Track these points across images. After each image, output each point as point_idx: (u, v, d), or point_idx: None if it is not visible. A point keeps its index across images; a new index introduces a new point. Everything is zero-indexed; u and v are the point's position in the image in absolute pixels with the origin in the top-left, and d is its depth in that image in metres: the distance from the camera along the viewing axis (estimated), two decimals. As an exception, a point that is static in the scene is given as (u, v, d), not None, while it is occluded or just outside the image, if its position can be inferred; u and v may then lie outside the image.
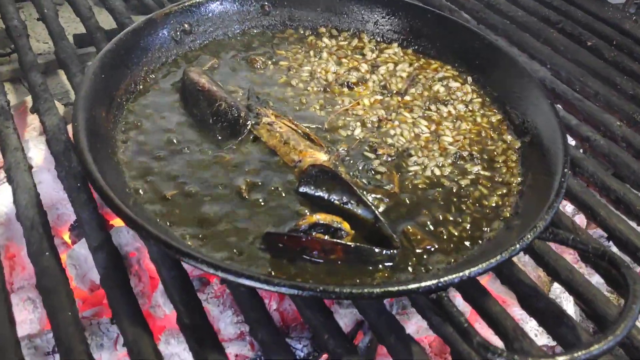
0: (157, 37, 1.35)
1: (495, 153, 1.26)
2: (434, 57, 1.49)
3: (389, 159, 1.21)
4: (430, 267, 1.01)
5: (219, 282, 1.18)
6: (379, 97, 1.36)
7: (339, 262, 1.00)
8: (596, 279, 1.24)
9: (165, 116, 1.24)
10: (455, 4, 1.85)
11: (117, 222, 1.23)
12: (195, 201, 1.07)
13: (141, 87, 1.29)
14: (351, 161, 1.19)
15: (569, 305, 1.32)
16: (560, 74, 1.60)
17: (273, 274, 0.96)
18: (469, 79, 1.43)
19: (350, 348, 0.96)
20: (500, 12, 1.84)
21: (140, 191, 1.07)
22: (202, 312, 0.98)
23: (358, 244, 1.00)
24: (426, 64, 1.47)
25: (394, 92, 1.38)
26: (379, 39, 1.52)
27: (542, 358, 0.85)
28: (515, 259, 1.08)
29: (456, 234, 1.08)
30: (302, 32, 1.52)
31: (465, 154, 1.24)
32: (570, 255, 1.44)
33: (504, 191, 1.17)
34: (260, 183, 1.12)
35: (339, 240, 1.00)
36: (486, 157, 1.25)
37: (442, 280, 0.89)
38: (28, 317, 1.19)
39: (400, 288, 0.88)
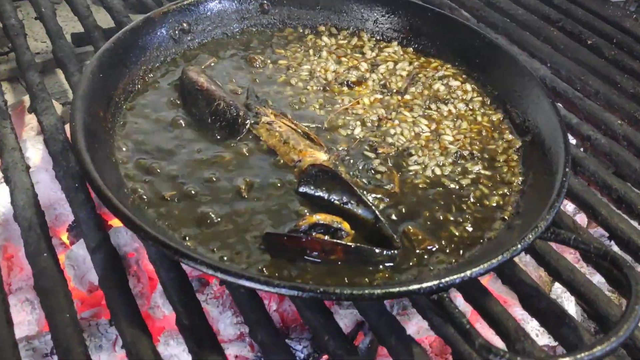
0: (155, 36, 1.34)
1: (496, 152, 1.25)
2: (434, 55, 1.48)
3: (389, 159, 1.20)
4: (431, 268, 1.00)
5: (219, 283, 1.18)
6: (378, 96, 1.36)
7: (339, 263, 0.99)
8: (597, 279, 1.23)
9: (164, 115, 1.23)
10: (455, 2, 1.85)
11: (116, 222, 1.22)
12: (194, 201, 1.07)
13: (139, 86, 1.28)
14: (351, 161, 1.18)
15: (570, 305, 1.32)
16: (560, 72, 1.59)
17: (273, 274, 0.95)
18: (469, 77, 1.42)
19: (351, 349, 0.95)
20: (501, 10, 1.83)
21: (139, 191, 1.07)
22: (201, 313, 0.98)
23: (358, 244, 0.99)
24: (426, 63, 1.46)
25: (394, 91, 1.37)
26: (378, 38, 1.52)
27: None
28: (516, 258, 1.07)
29: (457, 234, 1.07)
30: (301, 30, 1.52)
31: (465, 153, 1.24)
32: (571, 255, 1.43)
33: (505, 191, 1.17)
34: (259, 183, 1.11)
35: (339, 241, 0.99)
36: (487, 157, 1.24)
37: (443, 281, 0.88)
38: (26, 319, 1.19)
39: (402, 289, 0.87)
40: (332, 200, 1.08)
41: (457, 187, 1.17)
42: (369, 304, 1.00)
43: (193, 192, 1.08)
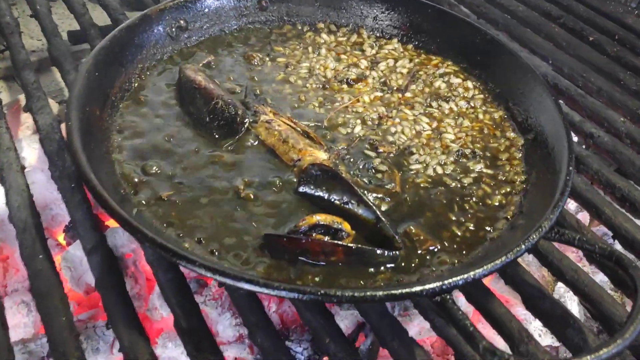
0: (152, 34, 1.32)
1: (498, 151, 1.23)
2: (434, 52, 1.46)
3: (390, 157, 1.18)
4: (434, 269, 0.99)
5: (217, 285, 1.16)
6: (379, 94, 1.34)
7: (340, 264, 0.97)
8: (600, 277, 1.22)
9: (161, 115, 1.21)
10: (455, -1, 1.83)
11: (113, 222, 1.20)
12: (192, 202, 1.05)
13: (136, 85, 1.27)
14: (351, 160, 1.16)
15: (573, 305, 1.30)
16: (562, 69, 1.58)
17: (272, 276, 0.94)
18: (471, 75, 1.40)
19: (352, 351, 0.94)
20: (501, 7, 1.82)
21: (135, 192, 1.05)
22: (199, 315, 0.96)
23: (359, 245, 0.98)
24: (427, 60, 1.45)
25: (395, 88, 1.36)
26: (378, 35, 1.50)
27: (549, 362, 0.83)
28: (519, 258, 1.05)
29: (459, 234, 1.06)
30: (300, 27, 1.50)
31: (467, 151, 1.22)
32: (573, 254, 1.42)
33: (508, 190, 1.15)
34: (258, 183, 1.09)
35: (339, 242, 0.97)
36: (489, 155, 1.22)
37: (446, 282, 0.87)
38: (22, 321, 1.17)
39: (404, 291, 0.85)
40: (333, 200, 1.06)
41: (459, 186, 1.15)
42: (370, 305, 0.98)
43: (191, 192, 1.06)
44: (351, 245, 0.97)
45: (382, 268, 0.98)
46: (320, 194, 1.07)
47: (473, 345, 0.83)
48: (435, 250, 1.02)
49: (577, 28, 1.73)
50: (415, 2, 1.49)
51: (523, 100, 1.30)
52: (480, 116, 1.31)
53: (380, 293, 0.85)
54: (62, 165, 1.17)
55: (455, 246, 1.03)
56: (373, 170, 1.15)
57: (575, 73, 1.56)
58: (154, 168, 1.10)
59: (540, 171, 1.16)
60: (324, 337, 0.95)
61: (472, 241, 1.05)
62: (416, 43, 1.48)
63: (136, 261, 1.22)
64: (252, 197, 1.07)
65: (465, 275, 0.88)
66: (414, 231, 1.04)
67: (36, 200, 1.16)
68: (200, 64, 1.34)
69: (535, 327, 1.25)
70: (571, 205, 1.48)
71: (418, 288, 0.86)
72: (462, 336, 0.86)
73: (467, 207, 1.11)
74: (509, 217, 1.09)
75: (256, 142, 1.18)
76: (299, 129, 1.20)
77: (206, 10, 1.42)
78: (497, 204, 1.12)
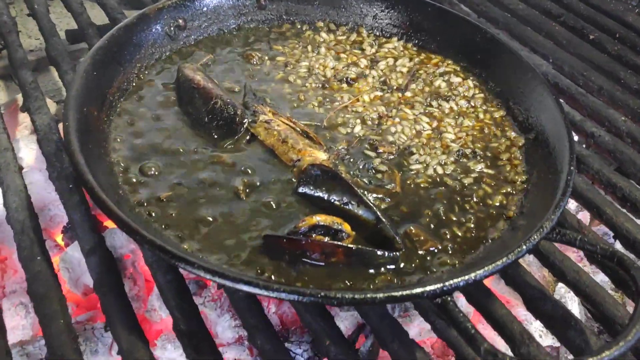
0: (150, 33, 1.31)
1: (499, 150, 1.22)
2: (434, 51, 1.45)
3: (390, 157, 1.18)
4: (434, 270, 0.98)
5: (216, 286, 1.15)
6: (379, 93, 1.33)
7: (340, 265, 0.96)
8: (600, 277, 1.22)
9: (159, 115, 1.20)
10: (455, -3, 1.82)
11: (111, 223, 1.19)
12: (191, 203, 1.04)
13: (134, 84, 1.26)
14: (351, 160, 1.16)
15: (574, 305, 1.29)
16: (563, 68, 1.57)
17: (272, 278, 0.93)
18: (471, 74, 1.39)
19: (352, 353, 0.93)
20: (501, 5, 1.81)
21: (134, 193, 1.04)
22: (199, 318, 0.95)
23: (359, 246, 0.97)
24: (427, 59, 1.44)
25: (394, 87, 1.35)
26: (378, 33, 1.49)
27: (551, 364, 0.82)
28: (520, 259, 1.05)
29: (460, 234, 1.05)
30: (299, 26, 1.49)
31: (468, 151, 1.21)
32: (574, 253, 1.41)
33: (509, 190, 1.14)
34: (257, 183, 1.09)
35: (339, 243, 0.97)
36: (489, 155, 1.22)
37: (447, 284, 0.86)
38: (20, 323, 1.16)
39: (405, 293, 0.85)
40: (332, 200, 1.06)
41: (460, 186, 1.14)
42: (370, 307, 0.98)
43: (190, 193, 1.06)
44: (351, 246, 0.97)
45: (382, 269, 0.97)
46: (320, 194, 1.06)
47: (474, 348, 0.82)
48: (436, 251, 1.01)
49: (578, 26, 1.72)
50: (415, 1, 1.48)
51: (524, 100, 1.29)
52: (481, 115, 1.30)
53: (381, 295, 0.84)
54: (60, 166, 1.16)
55: (455, 247, 1.03)
56: (373, 171, 1.14)
57: (576, 72, 1.55)
58: (153, 169, 1.09)
59: (541, 171, 1.15)
60: (324, 339, 0.94)
61: (473, 242, 1.04)
62: (416, 42, 1.47)
63: (135, 262, 1.21)
64: (251, 197, 1.06)
65: (466, 277, 0.88)
66: (414, 232, 1.03)
67: (34, 200, 1.16)
68: (199, 63, 1.33)
69: (536, 328, 1.25)
70: (571, 204, 1.47)
71: (419, 290, 0.85)
72: (463, 338, 0.85)
73: (468, 208, 1.10)
74: (509, 217, 1.09)
75: (255, 142, 1.17)
76: (298, 128, 1.20)
77: (205, 9, 1.41)
78: (497, 204, 1.12)
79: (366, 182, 1.12)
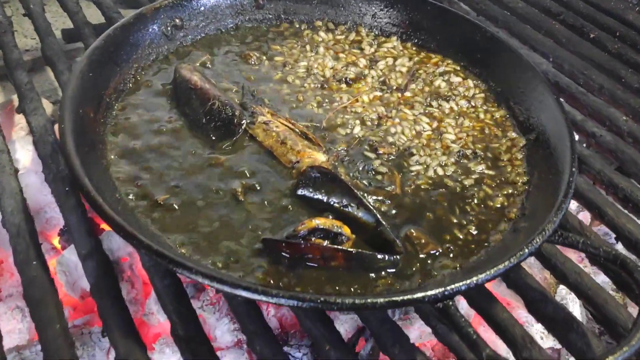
0: (147, 33, 1.30)
1: (500, 151, 1.21)
2: (434, 50, 1.44)
3: (390, 159, 1.16)
4: (435, 273, 0.97)
5: (215, 290, 1.14)
6: (378, 94, 1.32)
7: (340, 269, 0.95)
8: (602, 278, 1.21)
9: (156, 116, 1.19)
10: (454, -5, 1.81)
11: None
12: (189, 206, 1.03)
13: (131, 85, 1.24)
14: (351, 161, 1.14)
15: (575, 307, 1.28)
16: (563, 67, 1.56)
17: (271, 282, 0.92)
18: (471, 73, 1.38)
19: (352, 358, 0.92)
20: (500, 3, 1.79)
21: (131, 196, 1.03)
22: (197, 322, 0.94)
23: (359, 250, 0.96)
24: (426, 58, 1.42)
25: (394, 88, 1.34)
26: (377, 33, 1.47)
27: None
28: (521, 261, 1.04)
29: (461, 237, 1.04)
30: (297, 26, 1.47)
31: (468, 152, 1.20)
32: (574, 254, 1.40)
33: (510, 191, 1.13)
34: (256, 186, 1.07)
35: (339, 247, 0.96)
36: (490, 156, 1.20)
37: (448, 288, 0.85)
38: (16, 327, 1.15)
39: (405, 298, 0.84)
40: (332, 203, 1.05)
41: (460, 187, 1.13)
42: (370, 311, 0.97)
43: (187, 196, 1.04)
44: (351, 250, 0.96)
45: (382, 273, 0.96)
46: (320, 197, 1.05)
47: (476, 354, 0.81)
48: (437, 254, 1.00)
49: (578, 25, 1.71)
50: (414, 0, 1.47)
51: (524, 99, 1.28)
52: (481, 116, 1.29)
53: (381, 300, 0.83)
54: (56, 168, 1.15)
55: (457, 250, 1.02)
56: (373, 172, 1.13)
57: (576, 70, 1.54)
58: (150, 171, 1.08)
59: (542, 172, 1.14)
60: (324, 344, 0.93)
61: (474, 244, 1.03)
62: (415, 41, 1.46)
63: (132, 265, 1.20)
64: (249, 200, 1.05)
65: (468, 281, 0.87)
66: (415, 234, 1.02)
67: (30, 203, 1.14)
68: (196, 64, 1.32)
69: (537, 330, 1.23)
70: (572, 204, 1.46)
71: (420, 295, 0.84)
72: (464, 344, 0.84)
73: (469, 210, 1.09)
74: (511, 219, 1.08)
75: (254, 144, 1.15)
76: (297, 129, 1.18)
77: (202, 8, 1.40)
78: (499, 205, 1.11)
79: (366, 183, 1.10)
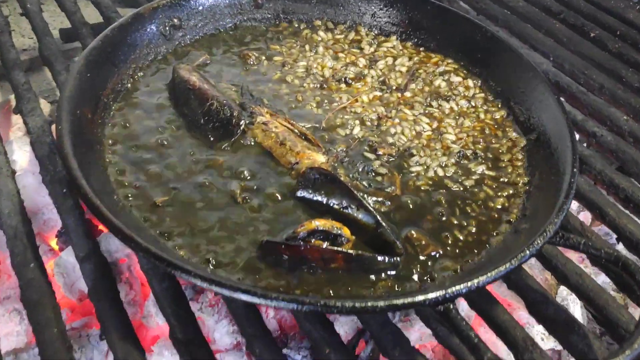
0: (145, 33, 1.29)
1: (500, 151, 1.21)
2: (434, 50, 1.43)
3: (390, 160, 1.16)
4: (436, 275, 0.96)
5: (214, 292, 1.13)
6: (378, 94, 1.31)
7: (340, 271, 0.95)
8: (602, 279, 1.20)
9: (155, 117, 1.18)
10: (454, -6, 1.80)
11: (106, 227, 1.17)
12: (187, 208, 1.02)
13: (129, 85, 1.23)
14: (350, 162, 1.14)
15: (576, 308, 1.28)
16: (563, 66, 1.55)
17: (270, 285, 0.91)
18: (471, 73, 1.37)
19: (353, 361, 0.92)
20: (500, 2, 1.78)
21: (129, 198, 1.02)
22: (195, 325, 0.94)
23: (360, 252, 0.95)
24: (426, 58, 1.42)
25: (394, 87, 1.33)
26: (376, 32, 1.47)
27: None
28: (522, 263, 1.03)
29: (462, 238, 1.03)
30: (296, 25, 1.46)
31: (469, 152, 1.19)
32: (575, 254, 1.40)
33: (510, 192, 1.12)
34: (255, 187, 1.07)
35: (339, 249, 0.95)
36: (491, 156, 1.20)
37: (449, 291, 0.84)
38: (14, 329, 1.14)
39: (406, 301, 0.83)
40: (332, 204, 1.04)
41: (461, 188, 1.12)
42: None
43: (186, 197, 1.04)
44: (351, 252, 0.95)
45: (383, 275, 0.95)
46: (319, 198, 1.04)
47: (477, 357, 0.80)
48: (437, 255, 1.00)
49: (578, 24, 1.70)
50: (414, -1, 1.46)
51: (525, 99, 1.27)
52: (482, 116, 1.28)
53: (382, 303, 0.82)
54: (53, 170, 1.14)
55: (457, 251, 1.01)
56: (373, 173, 1.12)
57: (577, 70, 1.53)
58: (148, 172, 1.07)
59: (543, 172, 1.14)
60: (324, 347, 0.92)
61: (475, 246, 1.02)
62: (415, 40, 1.45)
63: (131, 266, 1.19)
64: (248, 202, 1.04)
65: (469, 284, 0.86)
66: (415, 236, 1.01)
67: (28, 204, 1.13)
68: (195, 64, 1.31)
69: (538, 331, 1.23)
70: (573, 204, 1.45)
71: (420, 298, 0.84)
72: (465, 347, 0.83)
73: (469, 211, 1.08)
74: (512, 220, 1.07)
75: (253, 145, 1.15)
76: (296, 130, 1.18)
77: (200, 8, 1.39)
78: (499, 206, 1.10)
79: (366, 185, 1.10)
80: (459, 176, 1.15)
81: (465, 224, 1.06)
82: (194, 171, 1.08)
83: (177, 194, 1.04)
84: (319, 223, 0.98)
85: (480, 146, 1.21)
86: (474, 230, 1.05)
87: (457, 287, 0.85)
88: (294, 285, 0.92)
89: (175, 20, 1.35)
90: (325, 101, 1.27)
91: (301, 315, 0.96)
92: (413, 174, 1.14)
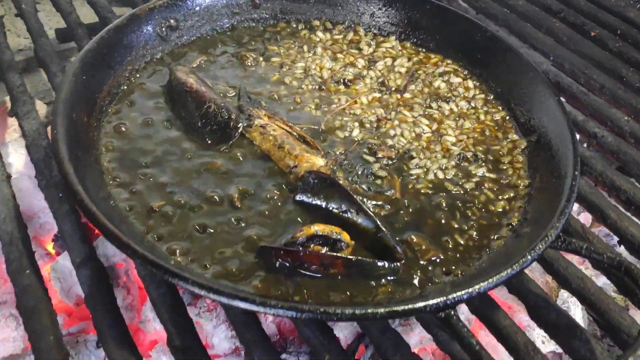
0: (141, 34, 1.27)
1: (501, 153, 1.19)
2: (433, 50, 1.42)
3: (390, 162, 1.14)
4: (437, 280, 0.95)
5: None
6: (377, 95, 1.29)
7: (340, 277, 0.93)
8: (603, 280, 1.19)
9: (151, 119, 1.17)
10: (453, -7, 1.78)
11: (103, 231, 1.16)
12: (185, 212, 1.01)
13: (125, 88, 1.22)
14: (350, 165, 1.12)
15: (577, 310, 1.27)
16: (564, 66, 1.54)
17: (269, 291, 0.90)
18: (471, 74, 1.36)
19: (353, 367, 0.91)
20: (500, 1, 1.77)
21: (126, 203, 1.01)
22: (193, 332, 0.93)
23: (359, 257, 0.94)
24: (426, 58, 1.40)
25: (393, 89, 1.31)
26: (375, 32, 1.45)
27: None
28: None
29: (462, 242, 1.02)
30: (294, 25, 1.45)
31: (469, 154, 1.18)
32: (576, 256, 1.39)
33: (511, 195, 1.11)
34: (253, 191, 1.05)
35: (339, 254, 0.94)
36: (491, 158, 1.18)
37: (450, 297, 0.84)
38: (11, 335, 1.13)
39: (407, 307, 0.82)
40: (331, 208, 1.03)
41: (461, 191, 1.11)
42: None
43: (183, 202, 1.02)
44: (351, 257, 0.94)
45: (383, 280, 0.94)
46: (318, 202, 1.03)
47: (479, 364, 0.80)
48: (438, 260, 0.99)
49: (578, 23, 1.69)
50: (413, -2, 1.45)
51: (526, 100, 1.26)
52: (482, 117, 1.27)
53: (382, 310, 0.81)
54: (49, 174, 1.13)
55: (458, 256, 1.00)
56: (372, 176, 1.11)
57: (577, 69, 1.52)
58: (145, 177, 1.06)
59: (544, 175, 1.13)
60: (322, 352, 0.92)
61: (476, 250, 1.01)
62: (414, 40, 1.44)
63: (128, 271, 1.18)
64: (246, 206, 1.03)
65: (470, 290, 0.85)
66: (415, 241, 1.00)
67: (24, 208, 1.12)
68: (192, 65, 1.30)
69: (539, 334, 1.22)
70: (573, 206, 1.44)
71: (421, 304, 0.83)
72: (467, 354, 0.82)
73: (470, 214, 1.07)
74: (513, 224, 1.06)
75: (251, 148, 1.13)
76: (294, 133, 1.16)
77: (197, 8, 1.37)
78: (500, 210, 1.09)
79: (365, 188, 1.09)
80: (459, 179, 1.14)
81: (466, 227, 1.05)
82: (192, 175, 1.07)
83: (174, 198, 1.03)
84: (318, 228, 0.97)
85: (480, 148, 1.20)
86: (474, 234, 1.04)
87: (458, 294, 0.84)
88: (293, 291, 0.91)
89: (172, 21, 1.33)
90: (324, 103, 1.26)
91: (300, 321, 0.95)
92: (413, 177, 1.12)
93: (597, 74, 1.51)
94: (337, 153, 1.14)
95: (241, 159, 1.11)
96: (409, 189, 1.10)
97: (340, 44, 1.41)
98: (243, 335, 0.93)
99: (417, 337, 1.16)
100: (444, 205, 1.08)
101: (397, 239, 1.00)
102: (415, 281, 0.95)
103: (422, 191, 1.10)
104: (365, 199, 1.05)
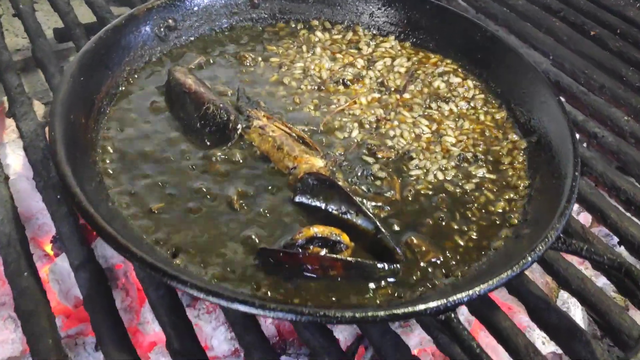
0: (139, 35, 1.27)
1: (501, 154, 1.19)
2: (433, 50, 1.41)
3: (389, 163, 1.14)
4: (437, 282, 0.95)
5: (211, 299, 1.12)
6: (376, 95, 1.29)
7: (339, 279, 0.93)
8: (603, 280, 1.19)
9: (150, 121, 1.16)
10: (453, -8, 1.78)
11: (102, 233, 1.15)
12: (184, 214, 1.00)
13: (123, 89, 1.21)
14: (349, 166, 1.12)
15: (577, 311, 1.27)
16: (564, 65, 1.53)
17: (268, 294, 0.90)
18: (471, 74, 1.35)
19: (352, 369, 0.91)
20: (500, 1, 1.77)
21: (124, 205, 1.00)
22: (192, 334, 0.92)
23: (359, 259, 0.94)
24: (425, 58, 1.40)
25: (392, 89, 1.31)
26: (374, 32, 1.45)
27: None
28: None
29: (462, 244, 1.02)
30: (293, 25, 1.44)
31: (469, 155, 1.18)
32: (576, 257, 1.38)
33: (511, 195, 1.11)
34: (252, 193, 1.05)
35: (338, 256, 0.93)
36: (491, 159, 1.18)
37: (450, 300, 0.83)
38: (10, 337, 1.12)
39: (407, 310, 0.82)
40: (330, 210, 1.02)
41: (461, 192, 1.11)
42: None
43: (182, 203, 1.02)
44: (350, 259, 0.93)
45: (382, 282, 0.94)
46: (317, 204, 1.03)
47: (479, 367, 0.79)
48: (438, 262, 0.98)
49: (578, 22, 1.69)
50: (412, -2, 1.44)
51: (526, 101, 1.25)
52: (482, 117, 1.27)
53: (382, 313, 0.81)
54: (47, 175, 1.12)
55: (458, 257, 1.00)
56: (371, 177, 1.10)
57: (577, 69, 1.51)
58: (143, 178, 1.05)
59: (544, 175, 1.12)
60: (322, 354, 0.91)
61: (476, 252, 1.01)
62: (414, 40, 1.43)
63: (127, 272, 1.17)
64: (245, 208, 1.02)
65: (470, 292, 0.85)
66: (415, 242, 1.00)
67: (22, 209, 1.12)
68: (191, 66, 1.29)
69: (539, 335, 1.22)
70: (573, 206, 1.44)
71: (421, 307, 0.82)
72: (467, 357, 0.82)
73: (470, 215, 1.07)
74: (513, 225, 1.05)
75: (250, 149, 1.13)
76: (294, 134, 1.16)
77: (195, 8, 1.37)
78: (500, 210, 1.08)
79: (365, 189, 1.08)
80: (459, 180, 1.13)
81: (466, 229, 1.04)
82: (190, 177, 1.06)
83: (173, 200, 1.02)
84: (318, 230, 0.96)
85: (480, 149, 1.20)
86: (474, 235, 1.04)
87: (459, 296, 0.83)
88: (292, 293, 0.90)
89: (170, 21, 1.33)
90: (323, 103, 1.25)
91: (300, 323, 0.94)
92: (413, 178, 1.12)
93: (597, 73, 1.50)
94: (337, 154, 1.14)
95: (240, 160, 1.11)
96: (408, 190, 1.10)
97: (340, 43, 1.41)
98: (242, 337, 0.93)
99: (416, 339, 1.15)
100: (443, 206, 1.07)
101: (397, 240, 0.99)
102: (415, 283, 0.94)
103: (422, 192, 1.10)
104: (364, 200, 1.05)
